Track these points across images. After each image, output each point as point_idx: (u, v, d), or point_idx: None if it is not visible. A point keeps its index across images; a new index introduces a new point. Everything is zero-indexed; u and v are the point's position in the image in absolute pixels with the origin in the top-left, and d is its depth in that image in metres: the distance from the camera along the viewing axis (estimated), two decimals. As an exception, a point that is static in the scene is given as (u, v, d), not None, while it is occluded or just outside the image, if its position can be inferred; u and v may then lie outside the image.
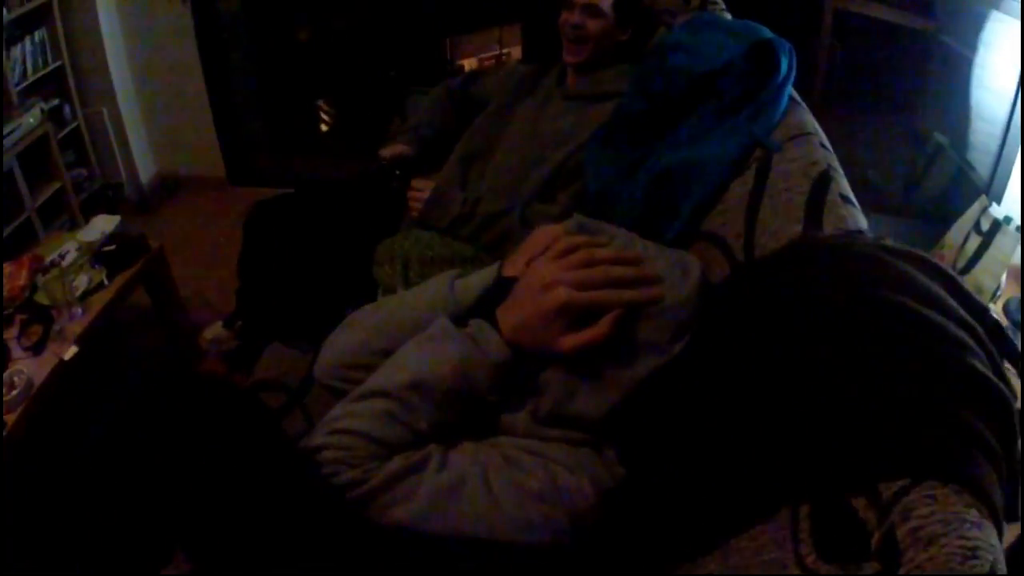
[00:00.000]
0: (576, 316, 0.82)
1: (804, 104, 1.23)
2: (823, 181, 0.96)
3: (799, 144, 1.08)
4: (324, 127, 2.92)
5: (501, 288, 0.91)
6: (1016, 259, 1.88)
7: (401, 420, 0.81)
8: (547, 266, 0.85)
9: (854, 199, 0.96)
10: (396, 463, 0.79)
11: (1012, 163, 2.08)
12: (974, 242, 1.95)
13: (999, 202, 2.02)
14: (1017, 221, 1.93)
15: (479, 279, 0.95)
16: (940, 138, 2.45)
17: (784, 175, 1.01)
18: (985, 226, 1.95)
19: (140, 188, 3.18)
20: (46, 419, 1.61)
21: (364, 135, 2.62)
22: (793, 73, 1.21)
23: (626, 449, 0.86)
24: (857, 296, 0.68)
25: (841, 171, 1.02)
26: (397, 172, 1.78)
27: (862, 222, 0.89)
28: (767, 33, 1.24)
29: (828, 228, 0.86)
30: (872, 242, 0.79)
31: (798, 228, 0.89)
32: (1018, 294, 1.86)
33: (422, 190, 1.65)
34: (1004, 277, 1.86)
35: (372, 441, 0.80)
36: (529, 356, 0.85)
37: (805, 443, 0.64)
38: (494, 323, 0.85)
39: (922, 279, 0.71)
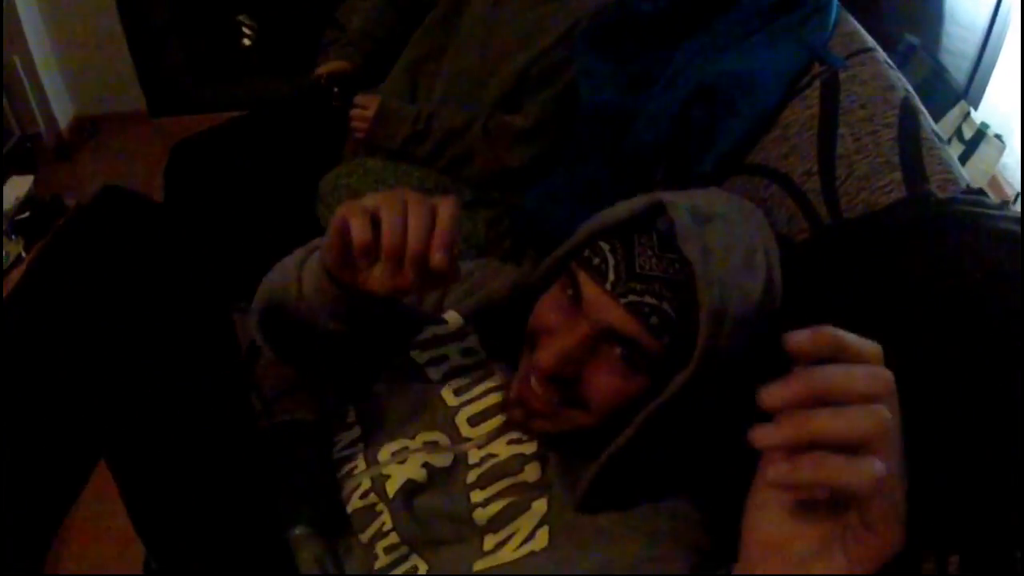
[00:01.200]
0: None
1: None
2: (911, 113, 0.83)
3: (863, 61, 0.93)
4: (247, 41, 2.60)
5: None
6: (997, 168, 1.87)
7: None
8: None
9: (941, 135, 0.84)
10: None
11: (991, 70, 2.03)
12: (956, 149, 1.91)
13: (976, 107, 1.98)
14: (995, 128, 1.91)
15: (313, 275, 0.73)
16: (911, 39, 2.36)
17: (860, 100, 0.87)
18: (968, 134, 1.90)
19: (59, 135, 2.81)
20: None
21: (292, 49, 2.32)
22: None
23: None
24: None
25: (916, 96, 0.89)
26: (336, 90, 1.55)
27: (961, 169, 0.78)
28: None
29: (935, 180, 0.74)
30: (1000, 211, 0.67)
31: (897, 176, 0.76)
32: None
33: (367, 107, 1.42)
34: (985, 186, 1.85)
35: None
36: None
37: (959, 481, 0.54)
38: None
39: None
